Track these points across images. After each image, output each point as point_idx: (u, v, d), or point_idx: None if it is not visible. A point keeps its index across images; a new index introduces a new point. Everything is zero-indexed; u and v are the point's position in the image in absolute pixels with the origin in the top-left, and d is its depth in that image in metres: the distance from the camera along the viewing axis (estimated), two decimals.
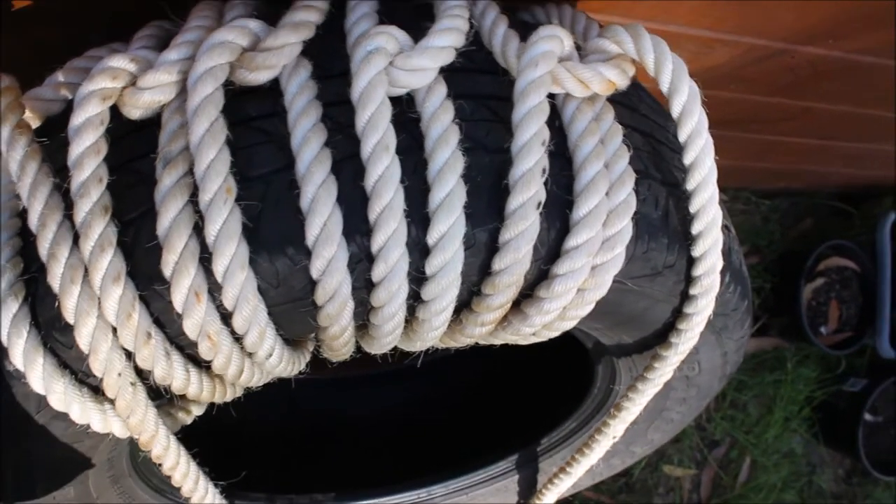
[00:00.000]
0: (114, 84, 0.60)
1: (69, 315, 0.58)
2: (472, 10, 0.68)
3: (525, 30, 0.68)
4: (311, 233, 0.57)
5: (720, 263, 0.70)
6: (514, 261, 0.60)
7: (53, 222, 0.58)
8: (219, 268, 0.56)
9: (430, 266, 0.59)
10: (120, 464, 0.83)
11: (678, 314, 0.74)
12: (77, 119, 0.59)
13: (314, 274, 0.58)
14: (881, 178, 1.52)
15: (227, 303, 0.58)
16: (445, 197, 0.58)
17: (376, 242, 0.57)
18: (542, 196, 0.60)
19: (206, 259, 0.57)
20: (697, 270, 0.70)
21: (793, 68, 0.99)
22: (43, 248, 0.58)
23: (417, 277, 0.60)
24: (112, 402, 0.63)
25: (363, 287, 0.60)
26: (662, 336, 0.78)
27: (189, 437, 0.74)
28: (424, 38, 0.61)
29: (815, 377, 1.69)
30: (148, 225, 0.59)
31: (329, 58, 0.63)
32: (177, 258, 0.56)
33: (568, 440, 1.06)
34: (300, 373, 0.70)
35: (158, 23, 0.72)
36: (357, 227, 0.58)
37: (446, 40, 0.61)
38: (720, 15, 0.85)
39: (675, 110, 0.65)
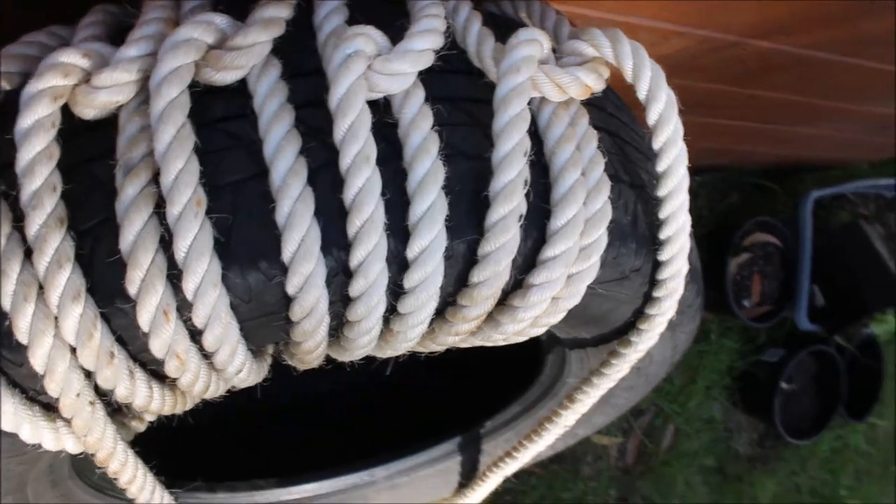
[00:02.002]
0: (65, 82, 0.55)
1: (22, 335, 0.53)
2: (444, 6, 0.66)
3: (494, 25, 0.66)
4: (288, 248, 0.54)
5: (686, 268, 0.71)
6: (494, 274, 0.59)
7: (1, 235, 0.53)
8: (189, 285, 0.53)
9: (409, 280, 0.57)
10: (61, 469, 0.79)
11: (640, 314, 0.75)
12: (25, 121, 0.54)
13: (290, 290, 0.55)
14: (805, 157, 1.57)
15: (198, 321, 0.54)
16: (427, 210, 0.56)
17: (356, 258, 0.55)
18: (523, 209, 0.59)
19: (174, 275, 0.53)
20: (663, 274, 0.70)
21: (743, 60, 1.00)
22: None
23: (395, 291, 0.58)
24: (67, 419, 0.59)
25: (340, 301, 0.58)
26: (622, 333, 0.79)
27: None
28: (403, 40, 0.58)
29: (736, 348, 1.76)
30: (107, 236, 0.55)
31: (298, 54, 0.59)
32: (143, 275, 0.53)
33: (511, 423, 1.07)
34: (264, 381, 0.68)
35: (105, 7, 0.66)
36: (335, 240, 0.56)
37: (425, 43, 0.59)
38: (682, 10, 0.85)
39: (652, 118, 0.65)
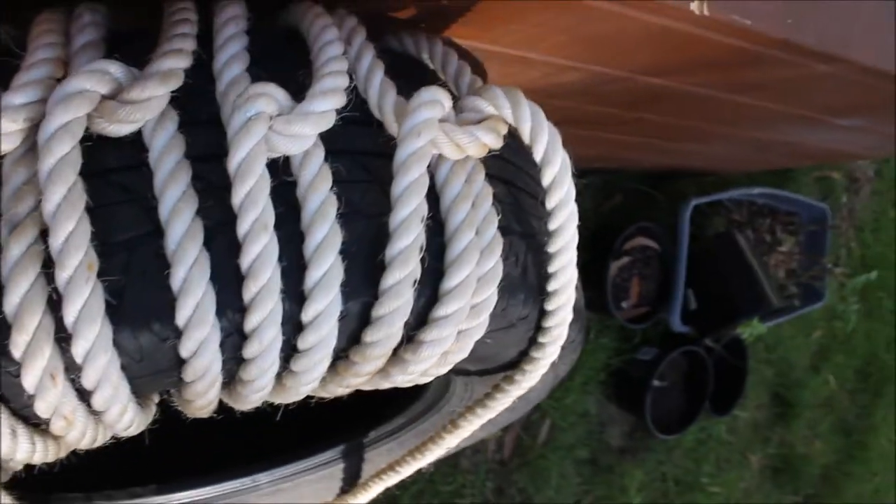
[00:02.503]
0: None
1: None
2: (346, 49, 0.65)
3: (394, 68, 0.66)
4: (183, 314, 0.53)
5: (570, 316, 0.74)
6: (387, 336, 0.60)
7: None
8: (79, 350, 0.52)
9: (304, 342, 0.58)
10: None
11: (525, 356, 0.78)
12: None
13: (184, 353, 0.55)
14: (687, 166, 1.64)
15: (87, 384, 0.53)
16: (323, 276, 0.56)
17: (250, 322, 0.55)
18: (418, 273, 0.60)
19: (63, 338, 0.52)
20: (549, 322, 0.73)
21: (632, 91, 1.04)
22: None
23: (289, 351, 0.58)
24: None
25: (233, 360, 0.58)
26: (507, 369, 0.81)
27: None
28: (305, 100, 0.58)
29: (613, 347, 1.84)
30: None
31: (195, 101, 0.58)
32: (28, 339, 0.51)
33: (395, 434, 1.09)
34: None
35: None
36: (230, 302, 0.55)
37: (328, 104, 0.58)
38: (578, 50, 0.87)
39: (546, 180, 0.67)
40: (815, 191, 2.08)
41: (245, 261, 0.54)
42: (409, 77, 0.68)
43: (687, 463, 1.91)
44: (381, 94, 0.63)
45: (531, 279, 0.70)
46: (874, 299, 2.19)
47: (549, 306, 0.72)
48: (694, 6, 0.72)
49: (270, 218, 0.55)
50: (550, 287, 0.71)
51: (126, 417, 0.57)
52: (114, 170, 0.55)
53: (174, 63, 0.56)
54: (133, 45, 0.63)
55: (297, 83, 0.61)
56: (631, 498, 1.78)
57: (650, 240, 1.77)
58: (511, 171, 0.73)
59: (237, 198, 0.54)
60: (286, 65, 0.64)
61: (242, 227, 0.54)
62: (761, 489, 2.05)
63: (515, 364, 0.80)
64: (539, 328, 0.74)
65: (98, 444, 0.61)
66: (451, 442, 0.91)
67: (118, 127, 0.55)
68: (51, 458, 0.62)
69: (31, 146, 0.54)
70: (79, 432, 0.57)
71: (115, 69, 0.55)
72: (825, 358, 2.16)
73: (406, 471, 1.00)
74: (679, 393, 1.89)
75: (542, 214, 0.77)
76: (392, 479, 1.02)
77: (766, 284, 1.68)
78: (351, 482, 1.14)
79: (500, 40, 0.83)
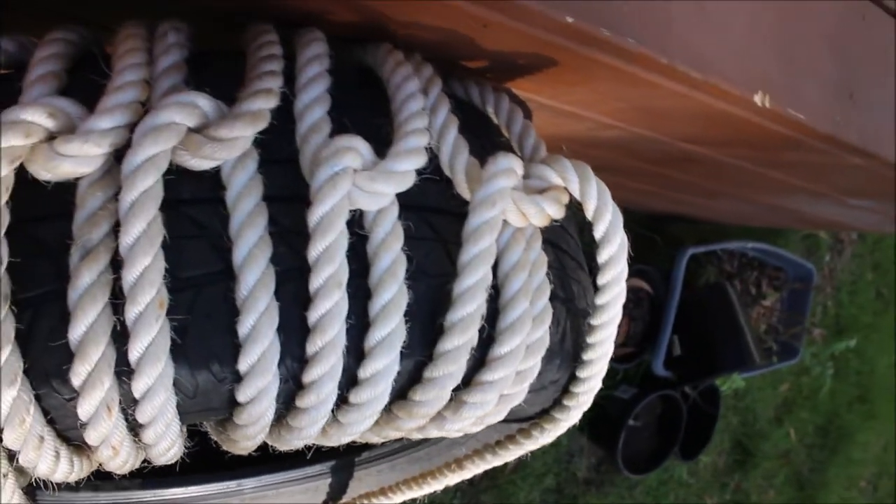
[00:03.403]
0: (25, 142, 0.51)
1: None
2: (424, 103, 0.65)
3: (459, 112, 0.66)
4: (247, 361, 0.53)
5: (599, 385, 0.75)
6: (436, 397, 0.60)
7: None
8: (139, 386, 0.51)
9: (357, 397, 0.57)
10: None
11: (546, 415, 0.78)
12: None
13: (241, 398, 0.54)
14: (689, 214, 1.66)
15: (141, 418, 0.53)
16: (386, 336, 0.56)
17: (310, 375, 0.55)
18: (475, 342, 0.60)
19: (123, 372, 0.51)
20: (578, 388, 0.74)
21: (667, 152, 1.05)
22: None
23: (340, 403, 0.58)
24: None
25: (285, 406, 0.57)
26: (524, 421, 0.82)
27: None
28: (388, 158, 0.57)
29: None
30: (50, 312, 0.52)
31: (274, 139, 0.57)
32: (90, 370, 0.50)
33: (388, 457, 1.09)
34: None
35: (64, 34, 0.61)
36: (291, 351, 0.55)
37: (410, 164, 0.58)
38: (630, 116, 0.88)
39: (602, 257, 0.67)
40: (801, 248, 2.12)
41: (314, 315, 0.54)
42: (475, 130, 0.68)
43: (647, 500, 1.94)
44: (454, 152, 0.63)
45: (568, 346, 0.71)
46: (842, 359, 2.24)
47: (581, 374, 0.73)
48: (756, 98, 0.74)
49: (344, 276, 0.55)
50: (586, 356, 0.72)
51: (171, 452, 0.57)
52: (186, 202, 0.55)
53: (263, 104, 0.55)
54: (214, 69, 0.62)
55: (376, 132, 0.61)
56: None
57: (644, 282, 1.79)
58: (558, 233, 0.74)
59: (314, 251, 0.54)
60: (365, 111, 0.63)
61: (316, 282, 0.54)
62: None
63: (535, 420, 0.80)
64: (567, 391, 0.75)
65: (131, 468, 0.61)
66: (451, 480, 0.92)
67: (200, 162, 0.54)
68: (82, 476, 0.61)
69: (109, 169, 0.53)
70: (121, 461, 0.56)
71: (204, 102, 0.54)
72: (789, 411, 2.21)
73: (397, 498, 1.00)
74: (650, 434, 1.92)
75: (581, 279, 0.77)
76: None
77: (751, 341, 1.71)
78: (335, 498, 1.13)
79: (560, 98, 0.83)
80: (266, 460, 1.12)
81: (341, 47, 0.69)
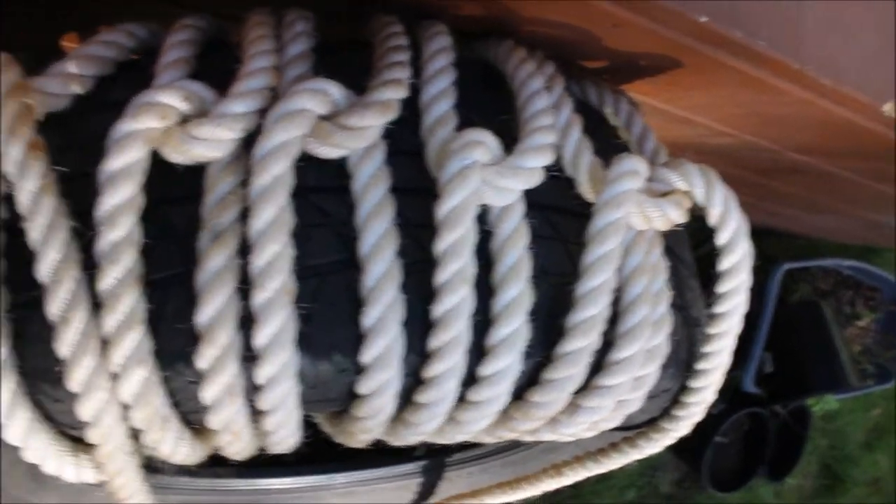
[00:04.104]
0: (161, 124, 0.52)
1: (75, 385, 0.51)
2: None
3: (587, 121, 0.64)
4: (370, 353, 0.52)
5: (713, 397, 0.72)
6: (554, 399, 0.59)
7: (70, 279, 0.50)
8: (263, 373, 0.51)
9: (477, 395, 0.56)
10: None
11: (654, 424, 0.76)
12: (114, 163, 0.50)
13: (362, 391, 0.54)
14: (782, 227, 1.61)
15: (263, 405, 0.53)
16: (509, 335, 0.55)
17: (432, 370, 0.54)
18: (597, 344, 0.58)
19: (248, 357, 0.51)
20: (689, 399, 0.71)
21: (775, 161, 1.01)
22: (53, 307, 0.50)
23: (459, 401, 0.57)
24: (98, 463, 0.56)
25: (403, 401, 0.56)
26: (629, 430, 0.80)
27: None
28: (517, 153, 0.56)
29: None
30: (178, 293, 0.52)
31: (400, 130, 0.57)
32: (217, 353, 0.50)
33: (481, 459, 1.07)
34: None
35: (194, 21, 0.62)
36: (413, 345, 0.54)
37: (538, 160, 0.57)
38: (745, 122, 0.86)
39: (724, 265, 0.65)
40: None
41: (438, 310, 0.53)
42: (594, 131, 0.66)
43: None
44: (577, 151, 0.62)
45: (682, 355, 0.69)
46: None
47: (693, 384, 0.70)
48: (886, 108, 0.70)
49: (471, 271, 0.54)
50: (700, 366, 0.69)
51: (289, 441, 0.57)
52: (312, 189, 0.54)
53: (393, 94, 0.55)
54: (341, 58, 0.62)
55: (502, 128, 0.60)
56: None
57: None
58: (674, 239, 0.72)
59: (441, 245, 0.53)
60: (490, 106, 0.62)
61: (442, 276, 0.53)
62: None
63: (642, 430, 0.78)
64: (677, 401, 0.73)
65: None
66: (548, 486, 0.90)
67: (329, 150, 0.54)
68: (199, 459, 0.61)
69: (239, 154, 0.53)
70: (240, 447, 0.56)
71: (335, 90, 0.54)
72: (880, 437, 2.12)
73: (489, 500, 0.99)
74: (736, 451, 1.86)
75: (695, 287, 0.75)
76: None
77: (846, 362, 1.65)
78: (425, 498, 1.12)
79: (675, 102, 0.81)
80: (357, 456, 1.13)
81: (462, 43, 0.68)
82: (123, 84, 0.59)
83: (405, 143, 0.57)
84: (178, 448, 0.55)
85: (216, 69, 0.58)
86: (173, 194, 0.54)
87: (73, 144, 0.56)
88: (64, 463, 0.57)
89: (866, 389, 1.84)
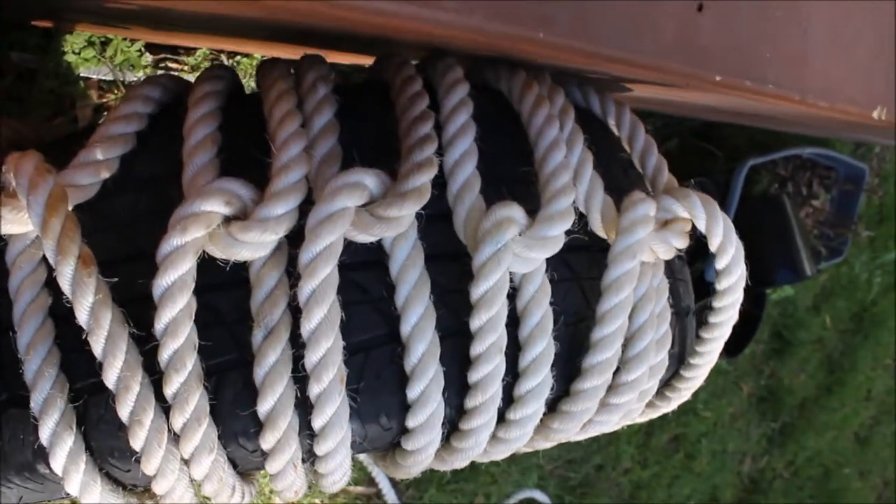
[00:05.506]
0: (207, 230, 0.54)
1: (149, 470, 0.56)
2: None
3: (583, 124, 0.67)
4: (415, 420, 0.58)
5: (701, 382, 0.80)
6: (572, 428, 0.65)
7: (136, 384, 0.54)
8: (322, 448, 0.57)
9: (505, 434, 0.62)
10: None
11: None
12: (167, 279, 0.53)
13: (407, 447, 0.60)
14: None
15: (322, 470, 0.58)
16: (535, 387, 0.60)
17: (468, 424, 0.60)
18: (610, 381, 0.64)
19: (306, 433, 0.57)
20: (681, 384, 0.79)
21: (757, 115, 1.04)
22: (124, 411, 0.54)
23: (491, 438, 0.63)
24: None
25: (441, 444, 0.62)
26: None
27: None
28: (540, 223, 0.59)
29: None
30: (235, 380, 0.57)
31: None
32: (279, 436, 0.56)
33: None
34: None
35: (211, 85, 0.62)
36: (451, 402, 0.59)
37: (562, 227, 0.59)
38: (732, 113, 0.88)
39: (721, 286, 0.71)
40: (852, 146, 2.11)
41: (475, 376, 0.58)
42: (600, 145, 0.69)
43: None
44: (590, 191, 0.65)
45: (676, 350, 0.75)
46: (881, 249, 2.28)
47: (685, 373, 0.77)
48: (875, 113, 0.74)
49: (504, 341, 0.58)
50: (693, 361, 0.76)
51: (339, 485, 0.63)
52: (349, 266, 0.57)
53: (425, 177, 0.57)
54: (362, 116, 0.63)
55: (520, 180, 0.62)
56: None
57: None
58: None
59: (478, 321, 0.57)
60: (508, 157, 0.64)
61: (478, 348, 0.58)
62: (746, 415, 2.22)
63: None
64: (670, 385, 0.80)
65: None
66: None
67: (366, 237, 0.56)
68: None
69: (279, 246, 0.56)
70: (299, 497, 0.62)
71: (371, 181, 0.56)
72: (826, 299, 2.28)
73: None
74: None
75: (685, 275, 0.81)
76: None
77: (805, 254, 1.74)
78: None
79: (663, 98, 0.83)
80: None
81: (470, 67, 0.69)
82: (147, 160, 0.61)
83: (432, 208, 0.58)
84: (241, 501, 0.61)
85: (243, 134, 0.60)
86: (218, 281, 0.57)
87: (103, 228, 0.58)
88: None
89: (819, 269, 1.95)
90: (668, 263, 0.74)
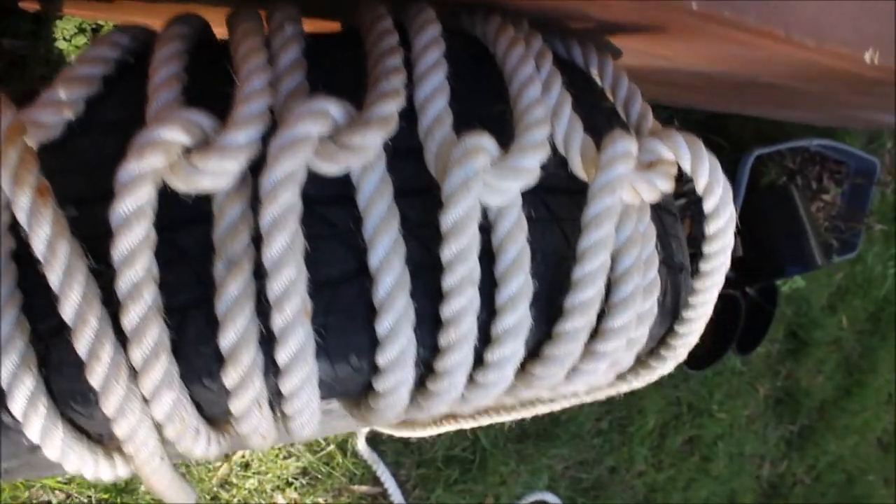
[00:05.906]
0: (166, 160, 0.52)
1: (108, 409, 0.54)
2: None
3: (565, 75, 0.65)
4: (385, 357, 0.56)
5: (696, 339, 0.77)
6: (555, 373, 0.63)
7: (94, 318, 0.52)
8: (287, 386, 0.55)
9: (483, 378, 0.60)
10: None
11: (640, 362, 0.81)
12: (125, 206, 0.51)
13: (379, 388, 0.58)
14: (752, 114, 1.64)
15: (288, 411, 0.56)
16: (513, 325, 0.58)
17: (442, 365, 0.58)
18: (594, 322, 0.62)
19: (273, 371, 0.55)
20: (675, 341, 0.76)
21: (752, 83, 1.03)
22: (81, 346, 0.52)
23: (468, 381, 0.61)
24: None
25: (416, 388, 0.60)
26: None
27: None
28: (513, 153, 0.57)
29: None
30: (197, 317, 0.55)
31: (396, 131, 0.58)
32: (242, 373, 0.54)
33: None
34: None
35: (180, 27, 0.61)
36: (424, 341, 0.57)
37: (536, 158, 0.58)
38: (723, 63, 0.86)
39: (710, 229, 0.68)
40: (863, 137, 2.08)
41: (448, 311, 0.56)
42: (580, 94, 0.67)
43: (701, 390, 2.00)
44: (568, 131, 0.63)
45: (668, 303, 0.73)
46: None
47: (679, 329, 0.75)
48: (867, 56, 0.72)
49: (477, 273, 0.56)
50: (686, 315, 0.74)
51: (310, 432, 0.61)
52: (317, 201, 0.56)
53: (392, 107, 0.56)
54: (332, 59, 0.62)
55: (496, 120, 0.61)
56: (647, 419, 1.88)
57: None
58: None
59: (449, 253, 0.56)
60: (482, 96, 0.63)
61: (450, 281, 0.56)
62: (763, 417, 2.17)
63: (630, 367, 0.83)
64: (664, 342, 0.77)
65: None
66: (523, 414, 0.96)
67: (330, 166, 0.55)
68: (228, 452, 0.66)
69: (243, 178, 0.55)
70: (267, 444, 0.60)
71: (335, 109, 0.55)
72: (842, 298, 2.24)
73: (482, 421, 1.05)
74: (708, 332, 1.92)
75: (678, 232, 0.79)
76: (453, 427, 1.06)
77: (814, 244, 1.70)
78: None
79: (652, 49, 0.82)
80: None
81: (446, 14, 0.68)
82: (114, 104, 0.60)
83: (402, 143, 0.58)
84: (208, 450, 0.60)
85: (209, 75, 0.59)
86: (179, 218, 0.55)
87: (68, 169, 0.57)
88: (100, 467, 0.60)
89: (831, 263, 1.92)
90: (660, 218, 0.73)
